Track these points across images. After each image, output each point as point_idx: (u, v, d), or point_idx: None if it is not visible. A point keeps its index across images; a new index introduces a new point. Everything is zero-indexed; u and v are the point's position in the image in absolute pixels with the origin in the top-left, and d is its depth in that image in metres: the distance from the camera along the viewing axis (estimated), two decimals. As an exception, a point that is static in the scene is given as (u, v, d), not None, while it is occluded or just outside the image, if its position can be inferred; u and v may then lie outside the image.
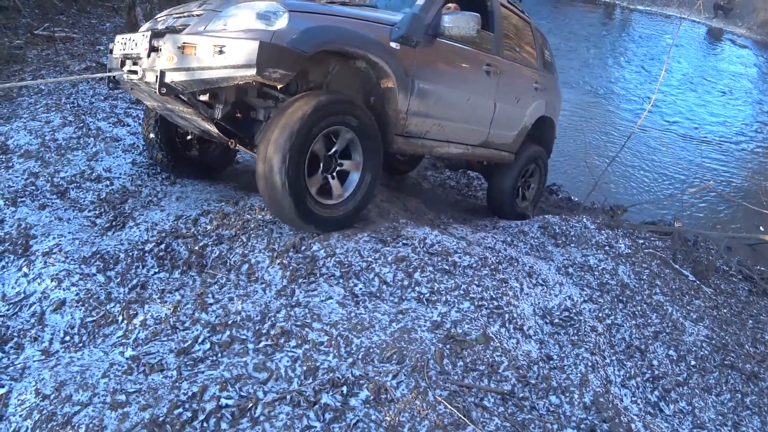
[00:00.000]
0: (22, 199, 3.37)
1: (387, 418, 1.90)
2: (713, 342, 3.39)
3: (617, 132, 8.95)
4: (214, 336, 2.32)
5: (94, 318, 2.52)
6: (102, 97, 4.91)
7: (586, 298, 3.35)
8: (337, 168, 3.17)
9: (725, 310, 3.96)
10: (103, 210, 3.47)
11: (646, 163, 8.37)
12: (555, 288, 3.28)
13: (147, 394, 1.98)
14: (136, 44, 3.04)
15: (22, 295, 2.65)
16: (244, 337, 2.30)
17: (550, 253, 4.09)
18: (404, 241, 3.14)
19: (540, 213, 5.26)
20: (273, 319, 2.38)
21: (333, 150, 3.11)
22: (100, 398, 1.94)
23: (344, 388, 2.01)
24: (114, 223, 3.35)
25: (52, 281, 2.69)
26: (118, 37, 3.32)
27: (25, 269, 2.79)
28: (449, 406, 1.93)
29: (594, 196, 6.07)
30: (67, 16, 7.27)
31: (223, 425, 1.86)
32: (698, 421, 2.68)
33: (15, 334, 2.44)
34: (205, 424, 1.87)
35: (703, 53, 15.66)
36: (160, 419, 1.86)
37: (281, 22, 2.74)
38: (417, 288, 2.74)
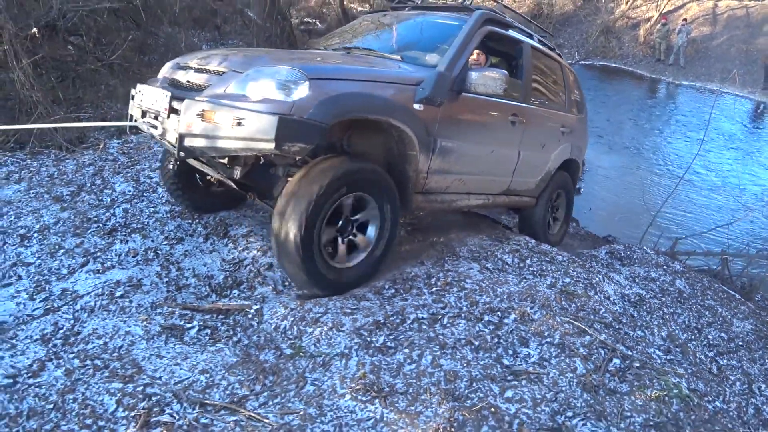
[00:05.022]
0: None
1: (531, 328, 3.01)
2: (758, 333, 4.36)
3: (662, 187, 10.07)
4: (396, 285, 3.46)
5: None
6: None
7: (651, 296, 4.39)
8: (351, 236, 3.26)
9: (764, 314, 4.94)
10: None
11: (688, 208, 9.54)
12: (626, 287, 4.34)
13: (364, 310, 3.10)
14: (155, 101, 3.11)
15: (237, 260, 3.84)
16: (419, 286, 3.44)
17: (618, 270, 5.15)
18: (514, 241, 4.29)
19: (568, 247, 5.90)
20: (435, 277, 3.53)
21: (350, 216, 3.22)
22: (336, 308, 3.06)
23: (498, 313, 3.13)
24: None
25: (258, 251, 3.89)
26: (139, 86, 3.40)
27: (231, 245, 4.01)
28: (575, 322, 3.03)
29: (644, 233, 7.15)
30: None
31: (425, 326, 2.98)
32: (749, 378, 3.65)
33: (243, 280, 3.62)
34: (411, 326, 2.98)
35: (749, 123, 16.83)
36: (380, 321, 2.98)
37: (301, 91, 2.73)
38: (530, 267, 3.88)
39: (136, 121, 3.39)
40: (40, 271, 3.57)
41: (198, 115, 2.75)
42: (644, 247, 5.71)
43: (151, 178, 5.00)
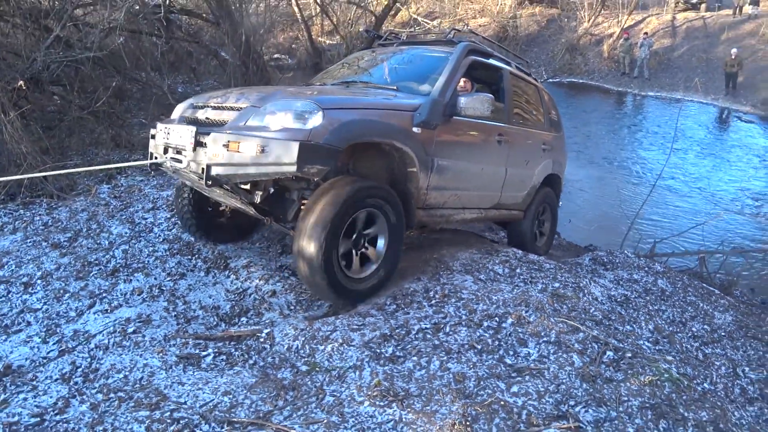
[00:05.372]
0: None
1: (528, 330, 3.21)
2: (738, 324, 4.61)
3: (638, 195, 10.46)
4: (396, 301, 3.65)
5: (305, 298, 3.86)
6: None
7: (636, 296, 4.63)
8: (364, 248, 3.55)
9: (743, 307, 5.21)
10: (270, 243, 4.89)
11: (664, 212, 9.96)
12: (612, 289, 4.58)
13: (370, 326, 3.29)
14: (180, 137, 3.40)
15: (241, 290, 4.01)
16: (418, 300, 3.64)
17: (602, 274, 5.39)
18: (503, 253, 4.52)
19: (552, 258, 6.31)
20: (433, 291, 3.73)
21: (363, 230, 3.52)
22: (344, 325, 3.25)
23: (496, 318, 3.34)
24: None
25: (260, 280, 4.06)
26: (160, 126, 3.72)
27: (233, 276, 4.18)
28: (567, 321, 3.24)
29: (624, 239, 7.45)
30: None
31: (429, 336, 3.17)
32: (733, 363, 3.87)
33: (249, 308, 3.79)
34: (416, 336, 3.17)
35: (715, 128, 17.48)
36: (386, 334, 3.16)
37: (316, 120, 3.05)
38: (521, 276, 4.10)
39: (157, 158, 3.69)
40: (49, 315, 3.70)
41: (224, 146, 3.06)
42: (625, 252, 5.98)
43: (146, 218, 5.15)
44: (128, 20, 6.44)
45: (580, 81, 22.79)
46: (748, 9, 23.43)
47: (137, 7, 7.22)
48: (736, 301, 5.42)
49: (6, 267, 4.28)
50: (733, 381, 3.38)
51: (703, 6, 24.81)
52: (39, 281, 4.09)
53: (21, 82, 5.10)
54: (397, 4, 13.71)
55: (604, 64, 23.24)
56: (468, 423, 2.29)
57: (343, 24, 16.17)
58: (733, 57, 19.33)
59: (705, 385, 3.08)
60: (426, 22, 19.67)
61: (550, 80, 21.63)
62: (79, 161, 6.39)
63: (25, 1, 5.92)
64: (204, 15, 10.07)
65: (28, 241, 4.75)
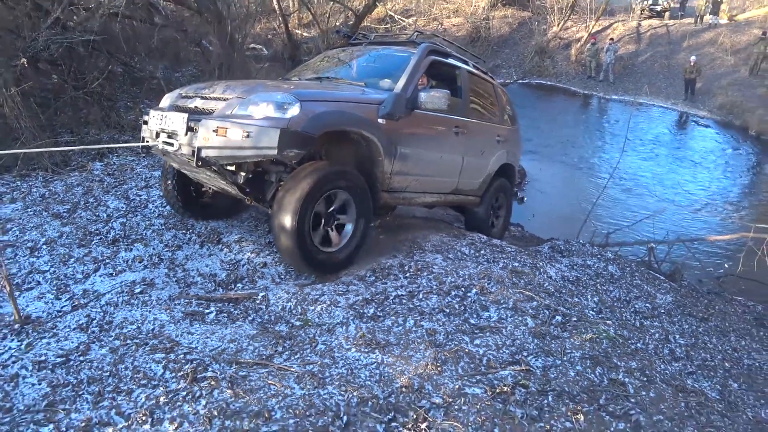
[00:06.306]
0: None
1: (490, 298, 3.72)
2: (677, 304, 5.20)
3: (597, 191, 11.18)
4: (375, 274, 4.11)
5: (293, 269, 4.29)
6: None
7: (587, 278, 5.19)
8: (335, 222, 3.99)
9: (684, 291, 5.84)
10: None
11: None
12: (566, 271, 5.12)
13: (353, 293, 3.75)
14: (173, 122, 3.76)
15: (235, 261, 4.41)
16: (395, 273, 4.11)
17: (559, 260, 5.95)
18: (469, 237, 5.02)
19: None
20: (407, 266, 4.21)
21: (332, 208, 3.92)
22: (330, 291, 3.71)
23: (462, 289, 3.83)
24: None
25: (252, 254, 4.47)
26: (153, 112, 4.07)
27: (226, 249, 4.58)
28: (524, 292, 3.75)
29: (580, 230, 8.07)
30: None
31: (404, 301, 3.64)
32: (666, 332, 4.44)
33: (244, 276, 4.19)
34: (393, 300, 3.64)
35: (673, 131, 18.41)
36: (368, 298, 3.63)
37: (294, 111, 3.46)
38: (485, 256, 4.62)
39: (148, 141, 4.06)
40: (57, 276, 4.04)
41: (213, 131, 3.45)
42: (581, 241, 6.55)
43: (140, 195, 5.50)
44: (126, 6, 6.72)
45: (549, 83, 23.60)
46: (708, 18, 24.66)
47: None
48: (679, 286, 6.03)
49: (10, 233, 4.59)
50: (663, 344, 3.95)
51: (666, 14, 25.89)
52: (44, 246, 4.41)
53: (24, 60, 5.37)
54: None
55: (571, 68, 24.10)
56: (438, 365, 2.77)
57: (321, 18, 16.45)
58: (692, 64, 20.32)
59: (638, 344, 3.63)
60: (401, 20, 20.05)
61: (520, 81, 22.30)
62: (70, 138, 6.67)
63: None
64: (188, 3, 10.32)
65: (29, 210, 5.05)
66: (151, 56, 8.59)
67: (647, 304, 4.90)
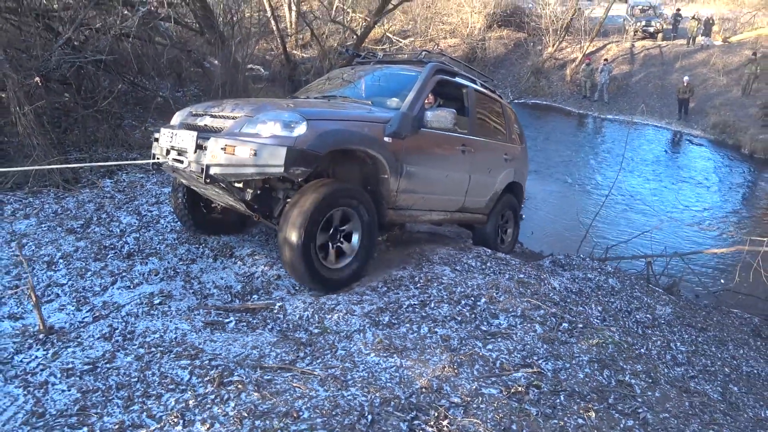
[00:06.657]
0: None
1: (499, 306, 3.87)
2: (676, 315, 5.36)
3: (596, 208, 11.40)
4: (387, 284, 4.26)
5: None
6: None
7: (589, 290, 5.35)
8: (341, 238, 4.04)
9: (682, 303, 6.00)
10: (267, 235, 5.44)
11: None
12: (568, 284, 5.28)
13: (367, 302, 3.88)
14: (182, 140, 3.84)
15: (249, 274, 4.55)
16: (406, 284, 4.26)
17: (560, 274, 6.11)
18: (475, 250, 5.18)
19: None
20: (417, 277, 4.36)
21: (338, 225, 3.98)
22: (345, 300, 3.84)
23: (472, 298, 3.98)
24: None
25: (265, 266, 4.61)
26: (163, 130, 4.14)
27: (239, 263, 4.71)
28: (531, 301, 3.91)
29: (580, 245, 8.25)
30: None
31: (417, 309, 3.78)
32: (667, 340, 4.59)
33: (259, 287, 4.33)
34: (407, 309, 3.78)
35: (668, 150, 18.75)
36: (382, 307, 3.77)
37: (301, 129, 3.53)
38: (491, 268, 4.77)
39: (158, 158, 4.17)
40: (76, 289, 4.15)
41: (222, 149, 3.53)
42: (581, 255, 6.72)
43: (151, 211, 5.64)
44: (137, 28, 6.93)
45: (544, 103, 24.04)
46: (700, 39, 25.22)
47: (126, 12, 7.72)
48: (677, 298, 6.20)
49: (27, 247, 4.71)
50: (665, 350, 4.10)
51: (659, 35, 26.42)
52: (60, 261, 4.53)
53: (38, 78, 5.54)
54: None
55: (566, 88, 24.54)
56: (455, 367, 2.91)
57: (320, 38, 16.77)
58: (685, 84, 20.73)
59: (642, 350, 3.79)
60: (398, 40, 20.46)
61: (516, 101, 22.69)
62: (79, 156, 6.82)
63: (37, 3, 6.36)
64: (190, 25, 10.59)
65: (43, 225, 5.18)
66: (158, 76, 8.78)
67: (648, 315, 5.05)
